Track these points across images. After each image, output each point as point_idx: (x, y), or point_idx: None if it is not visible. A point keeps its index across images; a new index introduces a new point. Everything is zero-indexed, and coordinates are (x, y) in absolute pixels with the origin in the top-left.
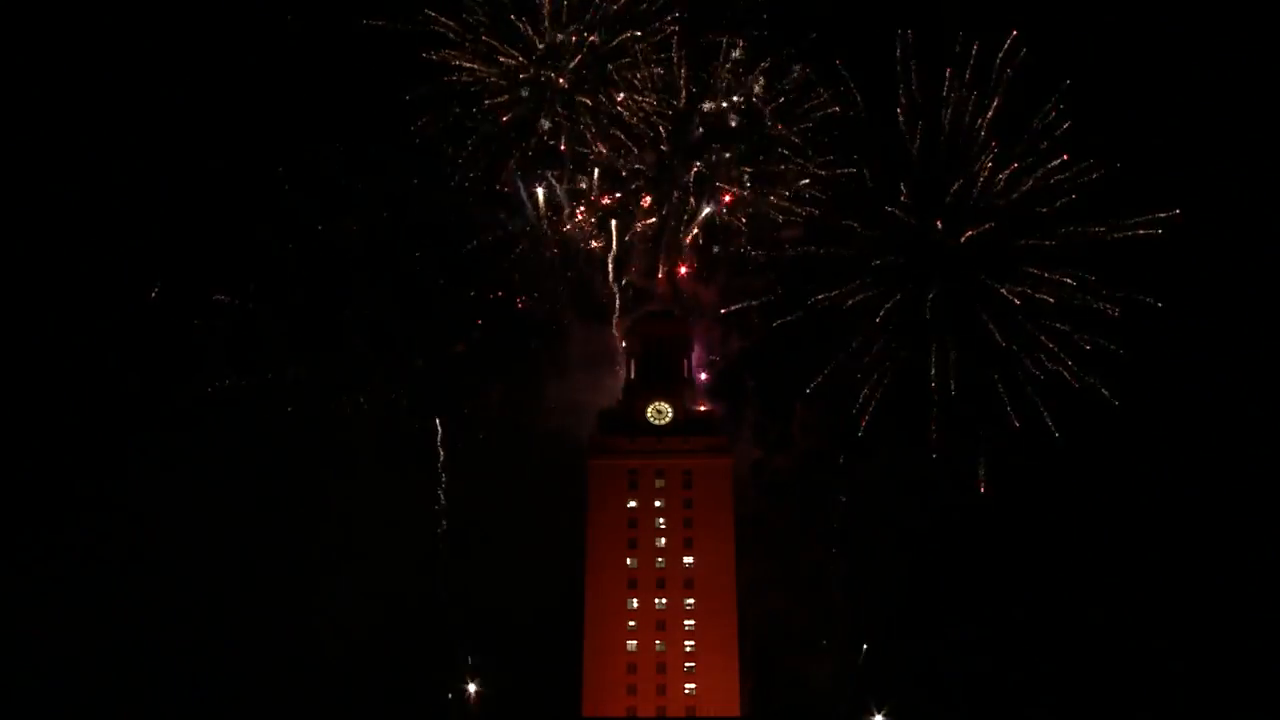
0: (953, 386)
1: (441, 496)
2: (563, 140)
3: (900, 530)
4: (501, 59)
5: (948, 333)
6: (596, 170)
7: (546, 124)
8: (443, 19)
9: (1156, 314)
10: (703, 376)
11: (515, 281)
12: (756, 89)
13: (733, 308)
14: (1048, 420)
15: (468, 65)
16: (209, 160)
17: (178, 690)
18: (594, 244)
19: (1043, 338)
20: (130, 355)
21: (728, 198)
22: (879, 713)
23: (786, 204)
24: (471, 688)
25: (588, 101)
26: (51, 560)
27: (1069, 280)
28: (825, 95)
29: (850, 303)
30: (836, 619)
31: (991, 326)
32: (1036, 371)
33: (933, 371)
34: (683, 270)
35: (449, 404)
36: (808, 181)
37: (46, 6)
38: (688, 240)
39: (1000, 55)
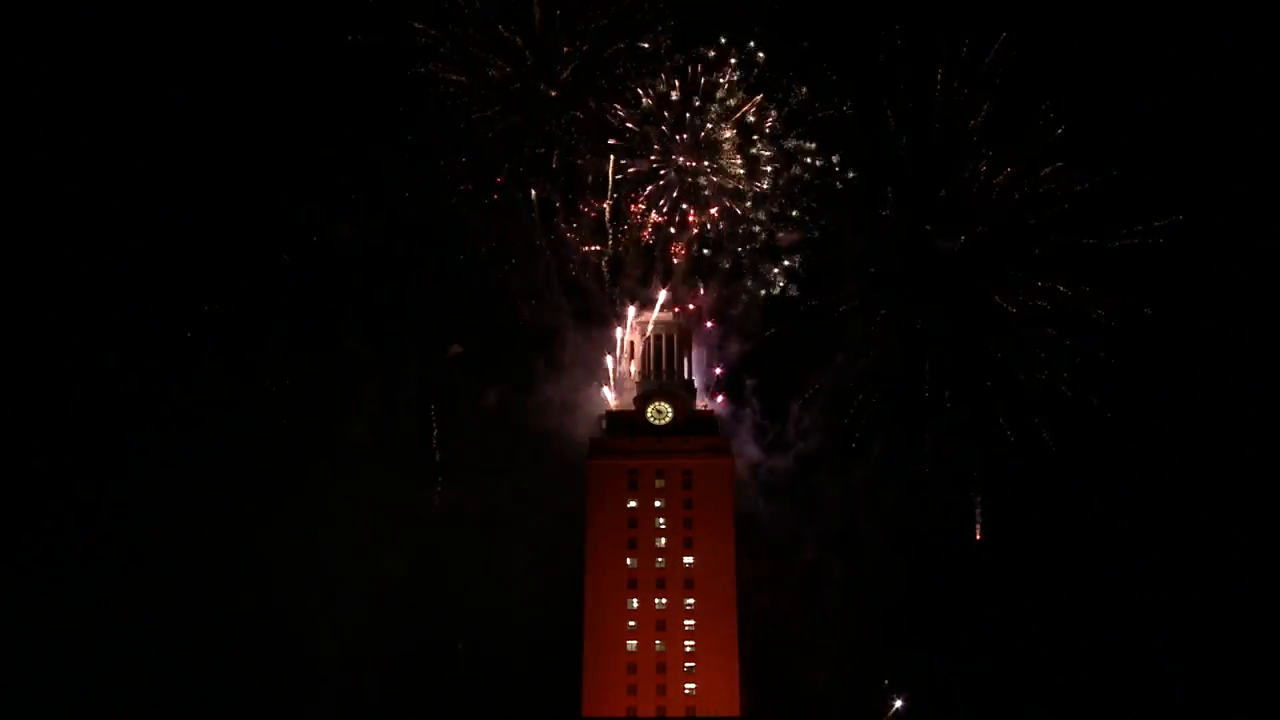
0: (947, 395)
1: (439, 498)
2: (555, 150)
3: (896, 532)
4: (492, 72)
5: (942, 339)
6: (590, 177)
7: (537, 134)
8: (431, 31)
9: (1147, 321)
10: (717, 371)
11: (512, 284)
12: (747, 95)
13: (731, 312)
14: (1042, 430)
15: (455, 78)
16: (206, 168)
17: (176, 691)
18: (590, 248)
19: (1035, 347)
20: (128, 358)
21: (722, 203)
22: (898, 700)
23: (781, 209)
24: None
25: (579, 115)
26: (50, 560)
27: (1062, 288)
28: (817, 102)
29: (843, 308)
30: (835, 620)
31: (985, 333)
32: (1029, 379)
33: (926, 377)
34: (680, 274)
35: (446, 406)
36: (803, 186)
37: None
38: (684, 244)
39: (990, 58)
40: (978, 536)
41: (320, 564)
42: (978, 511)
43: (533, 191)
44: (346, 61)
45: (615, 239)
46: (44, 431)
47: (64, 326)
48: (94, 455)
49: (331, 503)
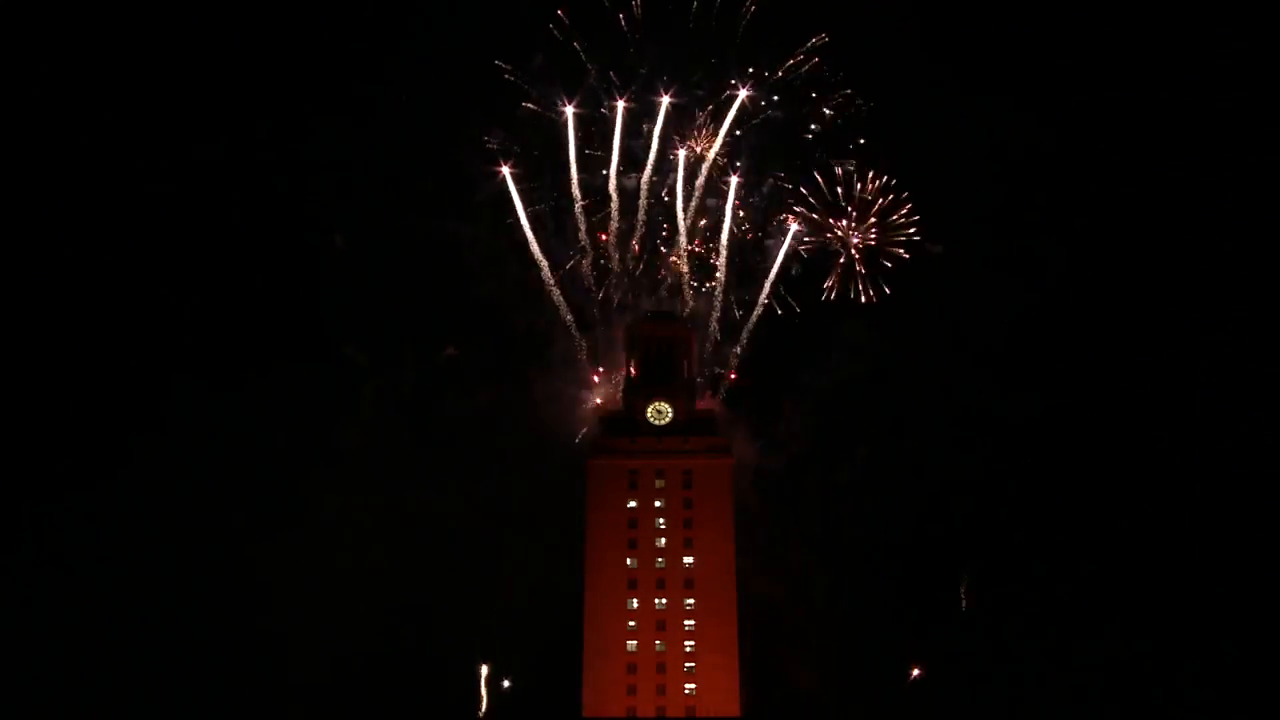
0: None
1: (437, 500)
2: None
3: (888, 532)
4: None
5: (932, 340)
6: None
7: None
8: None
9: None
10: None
11: (508, 288)
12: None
13: (730, 313)
14: (1031, 428)
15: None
16: (205, 176)
17: (170, 694)
18: (589, 250)
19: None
20: (125, 363)
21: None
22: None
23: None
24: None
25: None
26: (43, 564)
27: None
28: (810, 105)
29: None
30: (834, 620)
31: (970, 334)
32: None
33: (917, 377)
34: (681, 273)
35: (442, 408)
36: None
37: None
38: (683, 247)
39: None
40: (964, 605)
41: (317, 566)
42: (964, 583)
43: (521, 213)
44: (342, 71)
45: (618, 238)
46: (40, 436)
47: (61, 332)
48: (89, 459)
49: (328, 506)
